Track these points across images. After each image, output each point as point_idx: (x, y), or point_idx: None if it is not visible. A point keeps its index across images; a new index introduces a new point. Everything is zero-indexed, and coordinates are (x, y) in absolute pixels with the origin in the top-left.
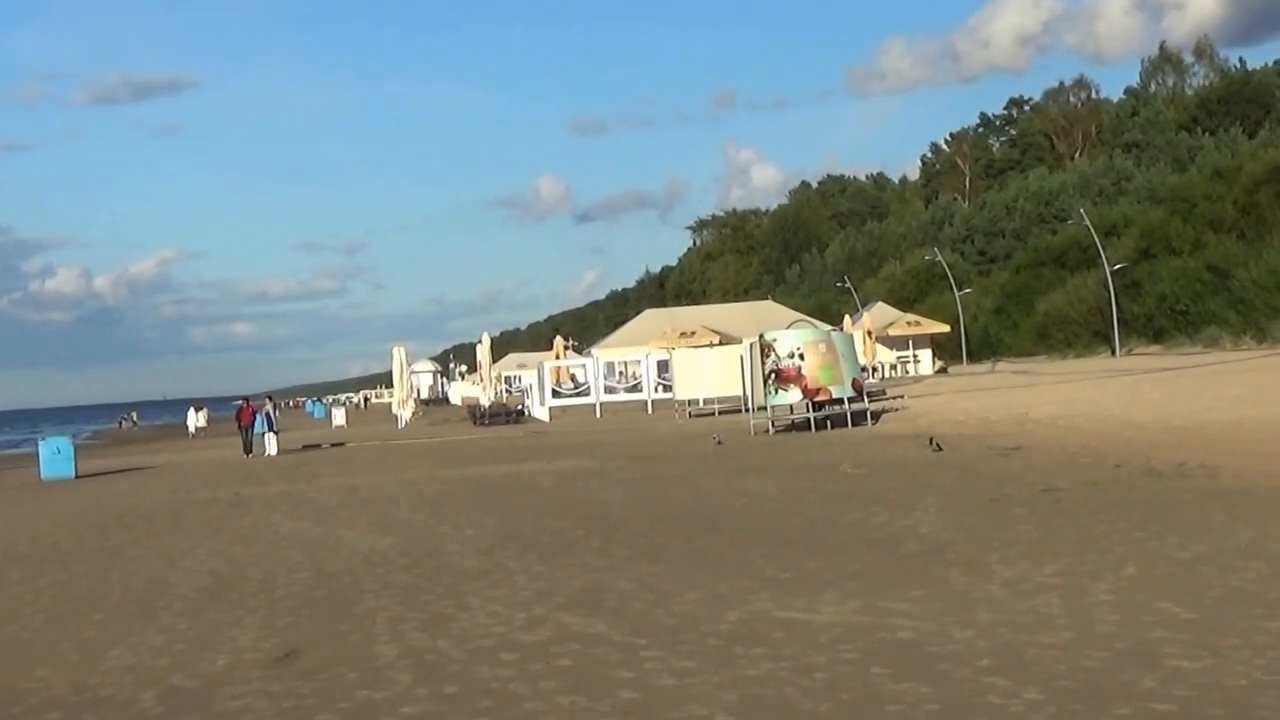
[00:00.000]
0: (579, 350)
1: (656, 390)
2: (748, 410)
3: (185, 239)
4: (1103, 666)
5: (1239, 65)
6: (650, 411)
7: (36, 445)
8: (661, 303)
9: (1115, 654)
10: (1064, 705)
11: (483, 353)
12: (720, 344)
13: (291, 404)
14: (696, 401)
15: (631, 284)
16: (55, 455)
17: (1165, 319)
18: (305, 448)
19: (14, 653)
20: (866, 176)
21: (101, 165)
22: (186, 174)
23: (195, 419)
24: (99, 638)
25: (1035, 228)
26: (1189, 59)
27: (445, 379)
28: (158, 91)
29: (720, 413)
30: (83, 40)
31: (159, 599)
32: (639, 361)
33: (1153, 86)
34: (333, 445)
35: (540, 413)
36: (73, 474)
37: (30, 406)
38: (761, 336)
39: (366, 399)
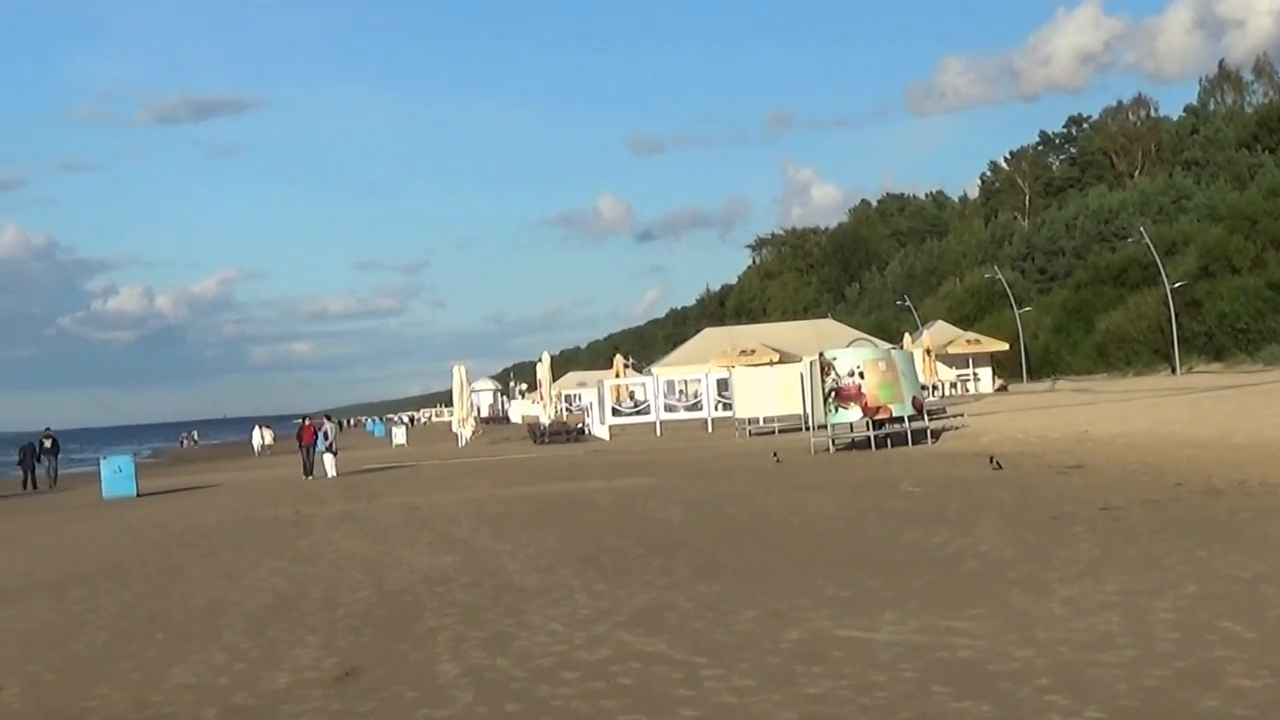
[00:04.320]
0: (639, 368)
1: (716, 408)
2: (808, 428)
3: (246, 258)
4: (1163, 685)
5: None
6: (710, 430)
7: (98, 464)
8: (721, 321)
9: (1176, 673)
10: None
11: (543, 371)
12: (780, 362)
13: (351, 422)
14: (756, 420)
15: (691, 302)
16: (117, 474)
17: (1226, 337)
18: (365, 470)
19: (76, 671)
20: (926, 195)
21: (163, 185)
22: (247, 193)
23: (261, 437)
24: (160, 656)
25: (1095, 246)
26: (1248, 77)
27: (505, 397)
28: (218, 111)
29: (780, 431)
30: (144, 60)
31: (220, 618)
32: (699, 380)
33: (1212, 104)
34: (393, 465)
35: (600, 431)
36: (134, 492)
37: (92, 425)
38: (821, 355)
39: (413, 419)
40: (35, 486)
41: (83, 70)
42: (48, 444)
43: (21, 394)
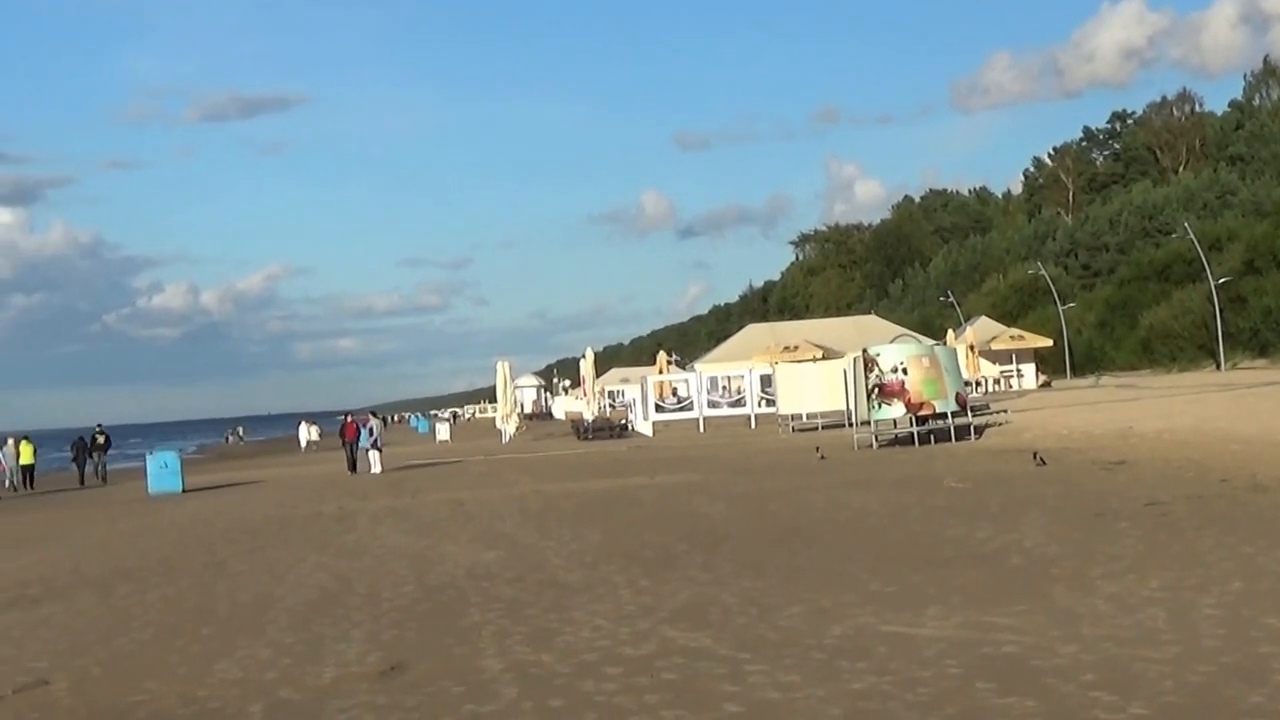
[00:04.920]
0: (682, 365)
1: (759, 405)
2: (851, 424)
3: (291, 255)
4: (1209, 681)
5: None
6: (753, 426)
7: (144, 460)
8: (764, 317)
9: (1221, 669)
10: None
11: (586, 367)
12: (823, 358)
13: (395, 419)
14: (800, 416)
15: (734, 299)
16: (162, 470)
17: (1271, 332)
18: (409, 465)
19: (123, 665)
20: (969, 191)
21: (210, 182)
22: (293, 190)
23: (307, 433)
24: (206, 651)
25: (1139, 241)
26: None
27: (549, 394)
28: (265, 108)
29: (823, 427)
30: (192, 59)
31: (266, 612)
32: (742, 376)
33: (1257, 100)
34: (437, 461)
35: (643, 427)
36: (179, 488)
37: (137, 421)
38: (865, 351)
39: (455, 414)
40: (85, 481)
41: (132, 70)
42: (100, 440)
43: (68, 390)
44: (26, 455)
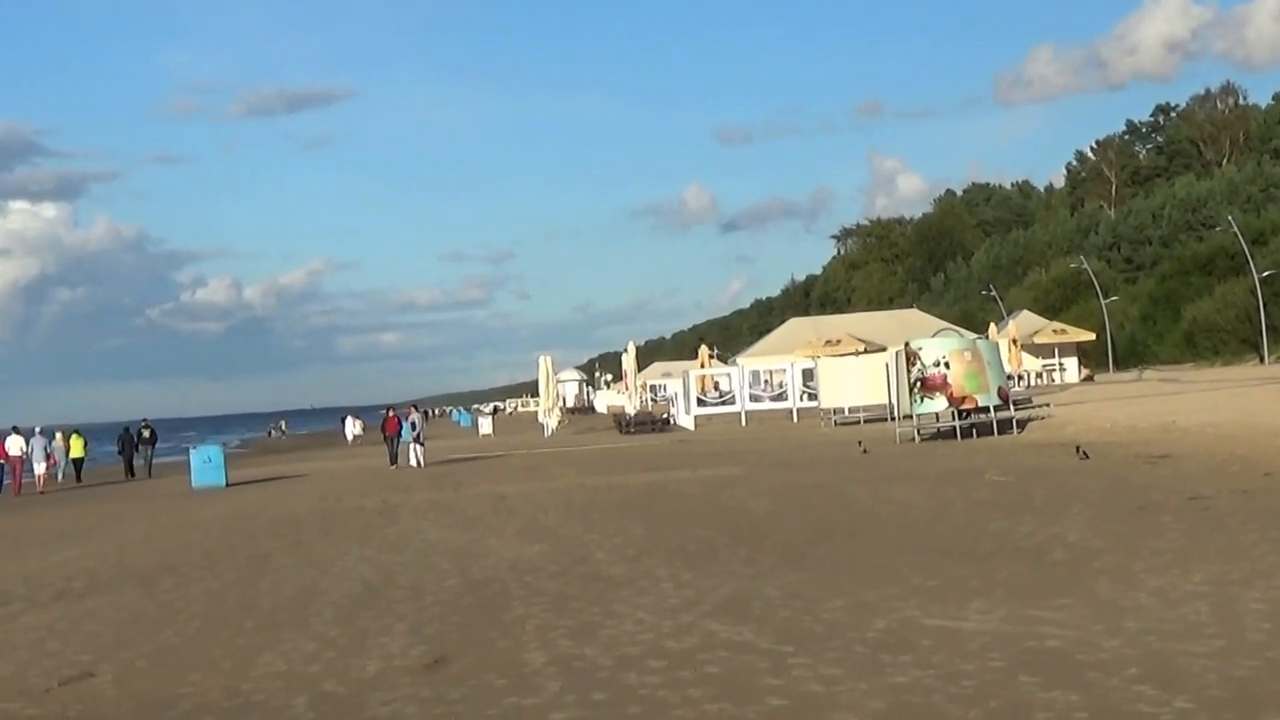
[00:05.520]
0: (724, 359)
1: (802, 399)
2: (893, 418)
3: (334, 249)
4: (1254, 675)
5: None
6: (795, 420)
7: (187, 454)
8: (806, 311)
9: (1266, 662)
10: (1215, 714)
11: (628, 361)
12: (865, 352)
13: (437, 412)
14: (842, 410)
15: (776, 293)
16: (206, 464)
17: None
18: (451, 459)
19: (168, 659)
20: (1012, 184)
21: (253, 176)
22: (336, 185)
23: (353, 427)
24: (250, 644)
25: (1182, 235)
26: None
27: (591, 388)
28: (310, 103)
29: (865, 421)
30: (236, 53)
31: (309, 606)
32: (784, 370)
33: None
34: (479, 455)
35: (685, 421)
36: (223, 482)
37: (181, 415)
38: (907, 344)
39: (496, 408)
40: (133, 475)
41: (176, 65)
42: (146, 434)
43: (112, 385)
44: (77, 448)
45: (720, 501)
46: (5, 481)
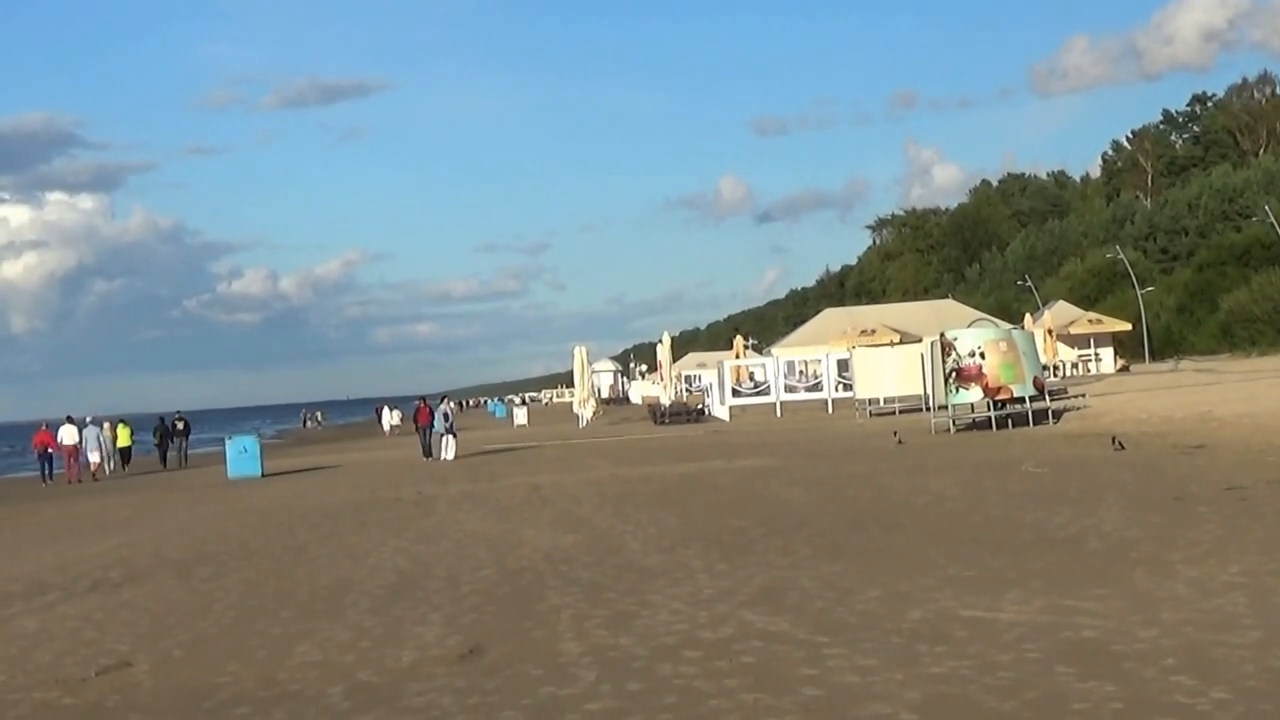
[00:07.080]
0: (759, 349)
1: (837, 389)
2: (928, 409)
3: (370, 240)
4: None
5: None
6: (830, 411)
7: (223, 444)
8: (841, 302)
9: None
10: (1251, 705)
11: (663, 352)
12: (900, 343)
13: (472, 403)
14: (877, 400)
15: (811, 283)
16: (242, 454)
17: None
18: (486, 450)
19: (205, 648)
20: (1047, 174)
21: (289, 168)
22: (372, 176)
23: (390, 417)
24: (287, 634)
25: (1219, 225)
26: None
27: (626, 378)
28: (345, 94)
29: (901, 411)
30: (272, 45)
31: (345, 596)
32: (819, 360)
33: None
34: (514, 445)
35: (720, 412)
36: (259, 472)
37: (217, 406)
38: (942, 335)
39: (525, 399)
40: (166, 465)
41: (212, 56)
42: (179, 425)
43: (148, 375)
44: (124, 438)
45: (755, 492)
46: (59, 470)
